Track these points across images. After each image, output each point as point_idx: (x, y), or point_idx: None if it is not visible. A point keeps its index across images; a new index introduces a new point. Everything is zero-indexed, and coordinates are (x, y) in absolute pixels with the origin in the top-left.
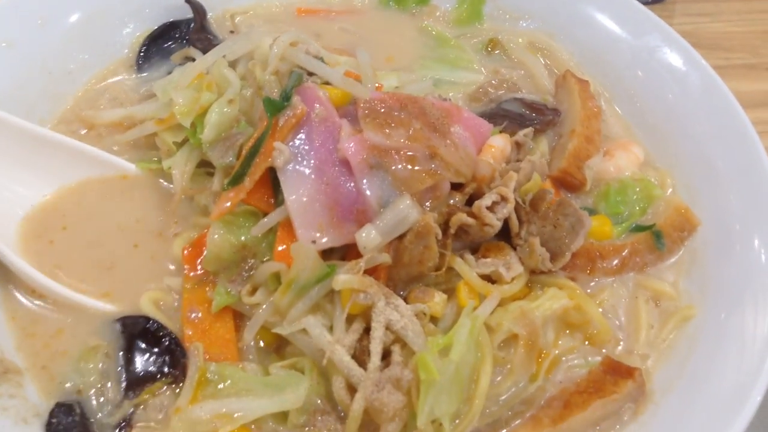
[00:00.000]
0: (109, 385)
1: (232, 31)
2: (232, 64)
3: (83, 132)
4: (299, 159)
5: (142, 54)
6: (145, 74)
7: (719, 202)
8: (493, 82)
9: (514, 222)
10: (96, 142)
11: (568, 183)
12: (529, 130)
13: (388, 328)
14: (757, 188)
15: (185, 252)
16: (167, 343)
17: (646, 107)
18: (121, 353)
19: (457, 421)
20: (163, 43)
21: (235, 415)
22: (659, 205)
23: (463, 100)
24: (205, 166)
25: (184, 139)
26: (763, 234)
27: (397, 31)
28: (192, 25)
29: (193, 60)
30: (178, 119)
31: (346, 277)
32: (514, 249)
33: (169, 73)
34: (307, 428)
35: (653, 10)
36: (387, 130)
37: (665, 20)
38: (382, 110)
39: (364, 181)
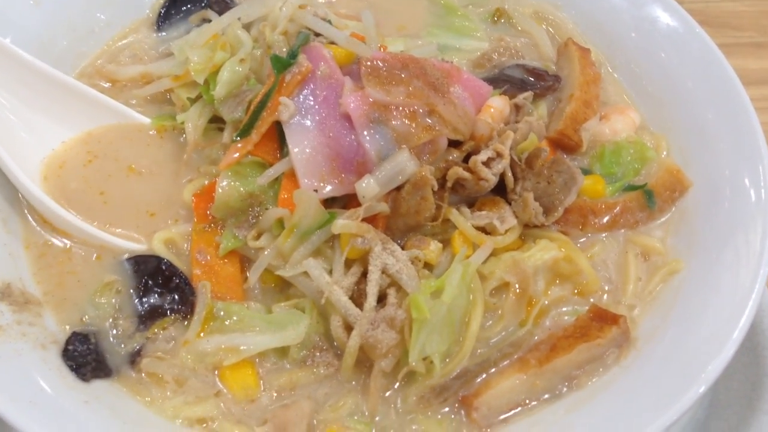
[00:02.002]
0: (122, 318)
1: None
2: (247, 27)
3: (104, 85)
4: (303, 113)
5: (162, 15)
6: (164, 34)
7: (711, 164)
8: (498, 49)
9: (510, 178)
10: (115, 96)
11: (564, 144)
12: (528, 94)
13: (384, 272)
14: (747, 153)
15: (194, 198)
16: (177, 281)
17: (645, 75)
18: (133, 289)
19: (447, 360)
20: (183, 5)
21: (240, 349)
22: (652, 166)
23: (467, 66)
24: (216, 122)
25: (197, 95)
26: (748, 197)
27: (407, 0)
28: None
29: (210, 21)
30: (193, 76)
31: (344, 222)
32: (509, 204)
33: (188, 33)
34: (306, 363)
35: None
36: (388, 87)
37: None
38: (384, 69)
39: (365, 134)
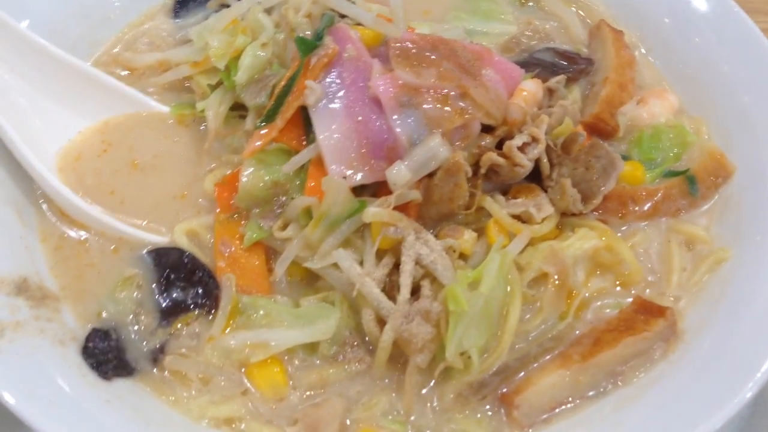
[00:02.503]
0: (143, 314)
1: None
2: (268, 11)
3: (121, 73)
4: (330, 97)
5: (179, 1)
6: (181, 20)
7: (755, 148)
8: (527, 33)
9: (545, 164)
10: (132, 84)
11: (600, 129)
12: (561, 78)
13: (417, 262)
14: None
15: (217, 188)
16: (200, 274)
17: (682, 57)
18: (155, 283)
19: (485, 355)
20: None
21: (268, 345)
22: (693, 151)
23: (495, 50)
24: (237, 110)
25: (218, 82)
26: None
27: None
28: None
29: (228, 6)
30: (213, 62)
31: (376, 210)
32: (545, 191)
33: (205, 19)
34: (338, 359)
35: None
36: (418, 69)
37: None
38: (414, 50)
39: (395, 118)
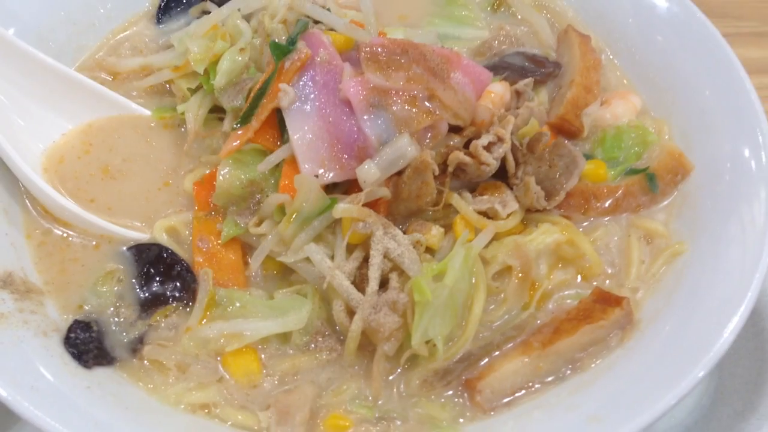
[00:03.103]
0: (124, 306)
1: None
2: (247, 18)
3: (106, 78)
4: (303, 99)
5: (162, 7)
6: (164, 26)
7: (712, 146)
8: (499, 38)
9: (511, 162)
10: (116, 88)
11: (566, 129)
12: (529, 80)
13: (385, 256)
14: (747, 127)
15: (195, 187)
16: (179, 269)
17: (645, 60)
18: (135, 278)
19: (450, 343)
20: None
21: (242, 335)
22: (654, 150)
23: (467, 54)
24: (216, 112)
25: (197, 85)
26: (749, 168)
27: None
28: None
29: (210, 13)
30: (193, 66)
31: (345, 207)
32: (511, 188)
33: (188, 25)
34: (309, 348)
35: None
36: (387, 72)
37: None
38: (384, 54)
39: (365, 119)
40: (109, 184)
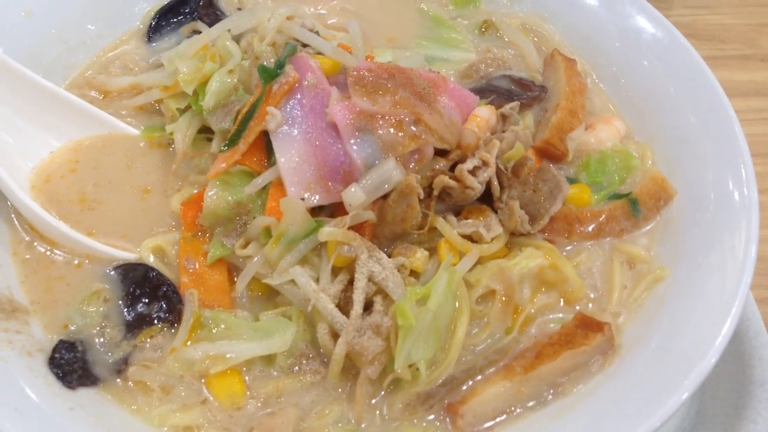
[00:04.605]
0: (109, 327)
1: (239, 8)
2: (237, 39)
3: (98, 97)
4: (291, 123)
5: (152, 26)
6: (154, 45)
7: (695, 172)
8: (486, 61)
9: (496, 186)
10: (105, 107)
11: (550, 153)
12: (515, 104)
13: (370, 279)
14: (730, 156)
15: (182, 207)
16: (165, 289)
17: (630, 85)
18: (121, 298)
19: (433, 367)
20: (174, 17)
21: (227, 357)
22: (637, 175)
23: (454, 77)
24: (205, 132)
25: (186, 106)
26: (732, 199)
27: (397, 13)
28: (201, 1)
29: (200, 33)
30: (182, 86)
31: (330, 230)
32: (495, 212)
33: (178, 44)
34: (293, 370)
35: (653, 2)
36: (374, 97)
37: (664, 12)
38: (370, 78)
39: (351, 143)
40: (96, 203)
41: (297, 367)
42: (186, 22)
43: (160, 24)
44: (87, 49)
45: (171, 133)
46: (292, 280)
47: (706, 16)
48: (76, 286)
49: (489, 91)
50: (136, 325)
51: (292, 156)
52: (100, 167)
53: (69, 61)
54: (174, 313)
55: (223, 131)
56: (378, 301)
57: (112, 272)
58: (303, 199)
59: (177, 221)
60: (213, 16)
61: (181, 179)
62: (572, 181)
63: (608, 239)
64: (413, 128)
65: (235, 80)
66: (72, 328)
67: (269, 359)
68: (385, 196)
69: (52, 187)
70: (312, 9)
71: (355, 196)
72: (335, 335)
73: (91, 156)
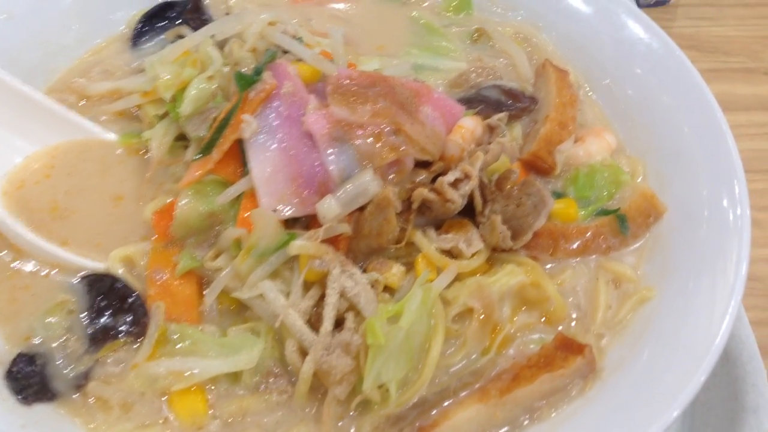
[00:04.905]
0: (72, 339)
1: (227, 14)
2: (222, 44)
3: (79, 102)
4: (266, 131)
5: (137, 31)
6: (139, 50)
7: (687, 189)
8: (476, 70)
9: (478, 200)
10: (85, 111)
11: (538, 167)
12: (503, 115)
13: (342, 295)
14: (724, 174)
15: (155, 216)
16: (131, 302)
17: (624, 97)
18: (85, 310)
19: (404, 388)
20: (159, 21)
21: (190, 373)
22: (626, 190)
23: (443, 86)
24: (183, 140)
25: (165, 112)
26: (726, 219)
27: (388, 20)
28: (188, 5)
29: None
30: (160, 92)
31: (301, 243)
32: (477, 227)
33: (163, 49)
34: (259, 389)
35: (655, 13)
36: (353, 106)
37: (666, 23)
38: (350, 86)
39: (328, 153)
40: (68, 211)
41: (263, 386)
42: (172, 27)
43: (146, 28)
44: (69, 54)
45: (147, 140)
46: (262, 295)
47: (709, 28)
48: (41, 296)
49: (478, 101)
50: (100, 339)
51: (265, 166)
52: (74, 173)
53: (50, 65)
54: (139, 327)
55: (198, 139)
56: (350, 318)
57: (78, 283)
58: (276, 211)
59: (150, 231)
60: (199, 21)
61: (157, 187)
62: (559, 195)
63: (594, 257)
64: (393, 139)
65: (214, 87)
66: (35, 340)
67: (235, 377)
68: (361, 209)
69: (25, 194)
70: (298, 16)
71: (329, 208)
72: (304, 353)
73: (66, 162)
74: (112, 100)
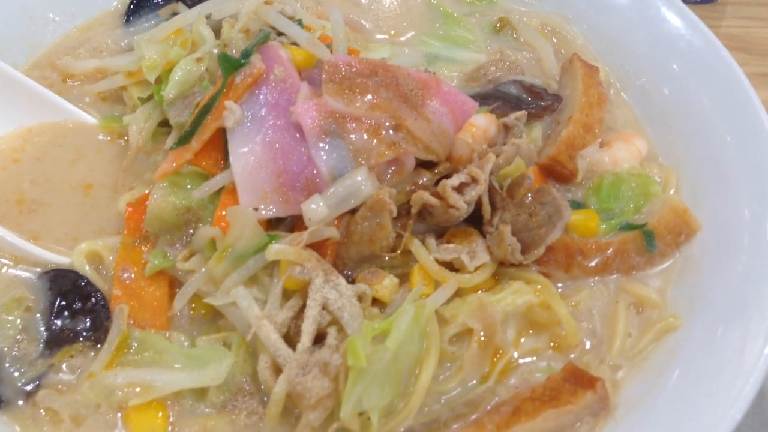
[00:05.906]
0: (26, 340)
1: None
2: (219, 24)
3: (54, 78)
4: (251, 120)
5: (131, 7)
6: (131, 28)
7: (725, 206)
8: (497, 63)
9: (486, 207)
10: (68, 91)
11: (557, 172)
12: (521, 114)
13: (324, 307)
14: None
15: (129, 208)
16: (93, 302)
17: (659, 100)
18: (43, 308)
19: (388, 417)
20: None
21: (151, 387)
22: (656, 203)
23: (459, 79)
24: (168, 126)
25: (150, 95)
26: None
27: (405, 5)
28: None
29: None
30: (144, 73)
31: (280, 248)
32: (484, 237)
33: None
34: (226, 408)
35: (701, 11)
36: (350, 96)
37: (713, 21)
38: (347, 74)
39: (318, 147)
40: (35, 198)
41: (231, 405)
42: (167, 4)
43: (141, 4)
44: (56, 28)
45: (128, 124)
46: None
47: (760, 29)
48: None
49: (495, 97)
50: (56, 342)
51: (248, 158)
52: (45, 158)
53: (34, 40)
54: (99, 331)
55: (180, 125)
56: (332, 333)
57: (38, 279)
58: (257, 210)
59: (121, 222)
60: None
61: (135, 177)
62: (579, 206)
63: (615, 276)
64: (392, 135)
65: (202, 69)
66: None
67: (201, 393)
68: (353, 212)
69: None
70: None
71: (316, 209)
72: (278, 370)
73: (39, 146)
74: (97, 80)
